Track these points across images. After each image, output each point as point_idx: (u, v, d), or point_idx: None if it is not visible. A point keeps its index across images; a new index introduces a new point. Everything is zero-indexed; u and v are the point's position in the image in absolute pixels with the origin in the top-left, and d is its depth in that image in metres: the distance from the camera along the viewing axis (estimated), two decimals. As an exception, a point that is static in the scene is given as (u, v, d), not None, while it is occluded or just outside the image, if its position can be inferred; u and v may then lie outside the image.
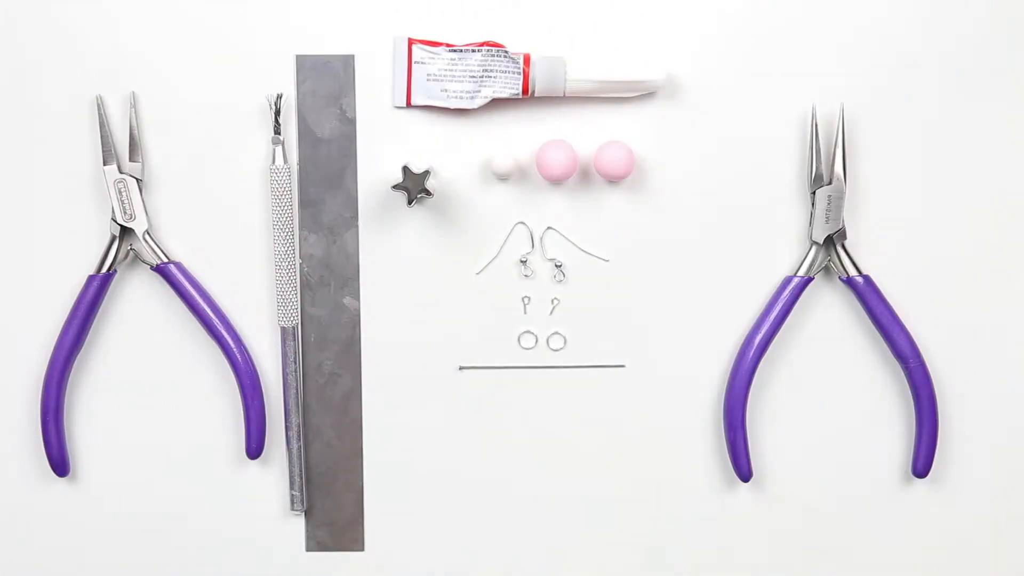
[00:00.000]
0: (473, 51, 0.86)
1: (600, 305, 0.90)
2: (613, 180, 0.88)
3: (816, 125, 0.87)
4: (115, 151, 0.87)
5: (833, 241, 0.88)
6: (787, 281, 0.88)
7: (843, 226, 0.87)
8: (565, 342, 0.91)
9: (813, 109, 0.87)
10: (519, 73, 0.85)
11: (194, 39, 0.87)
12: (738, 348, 0.89)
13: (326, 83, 0.88)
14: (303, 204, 0.89)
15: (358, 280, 0.90)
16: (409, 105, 0.87)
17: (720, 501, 0.92)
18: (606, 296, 0.90)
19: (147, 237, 0.88)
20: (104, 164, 0.87)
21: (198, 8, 0.87)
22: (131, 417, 0.91)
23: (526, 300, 0.90)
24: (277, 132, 0.87)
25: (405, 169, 0.86)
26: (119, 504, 0.93)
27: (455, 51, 0.86)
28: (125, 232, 0.88)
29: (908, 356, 0.88)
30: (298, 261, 0.90)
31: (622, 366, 0.91)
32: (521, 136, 0.88)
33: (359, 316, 0.90)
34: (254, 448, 0.90)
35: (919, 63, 0.88)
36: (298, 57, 0.88)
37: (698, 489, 0.92)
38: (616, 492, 0.92)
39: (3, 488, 0.93)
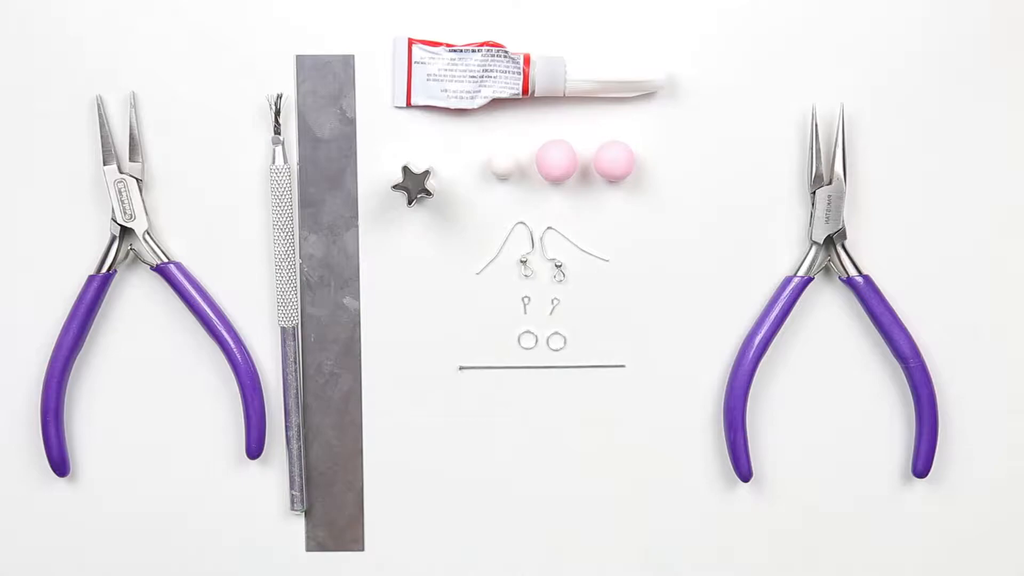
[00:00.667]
0: (473, 51, 0.86)
1: (600, 305, 0.90)
2: (613, 180, 0.87)
3: (816, 125, 0.87)
4: (115, 151, 0.87)
5: (833, 241, 0.88)
6: (787, 281, 0.88)
7: (843, 226, 0.87)
8: (565, 342, 0.91)
9: (813, 109, 0.87)
10: (519, 73, 0.85)
11: (194, 39, 0.87)
12: (738, 348, 0.89)
13: (326, 83, 0.88)
14: (303, 204, 0.89)
15: (358, 280, 0.90)
16: (409, 105, 0.87)
17: (720, 501, 0.92)
18: (606, 296, 0.90)
19: (147, 237, 0.88)
20: (104, 164, 0.87)
21: (198, 8, 0.87)
22: (131, 417, 0.91)
23: (526, 300, 0.90)
24: (277, 132, 0.87)
25: (405, 169, 0.86)
26: (119, 504, 0.93)
27: (455, 51, 0.86)
28: (125, 232, 0.88)
29: (908, 356, 0.88)
30: (298, 261, 0.89)
31: (622, 366, 0.91)
32: (521, 136, 0.88)
33: (359, 316, 0.90)
34: (254, 448, 0.90)
35: (919, 63, 0.88)
36: (298, 57, 0.87)
37: (698, 489, 0.92)
38: (616, 492, 0.92)
39: (3, 488, 0.92)
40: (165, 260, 0.88)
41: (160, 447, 0.92)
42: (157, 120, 0.88)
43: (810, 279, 0.88)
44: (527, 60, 0.85)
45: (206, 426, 0.91)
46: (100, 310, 0.89)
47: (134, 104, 0.87)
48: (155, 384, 0.91)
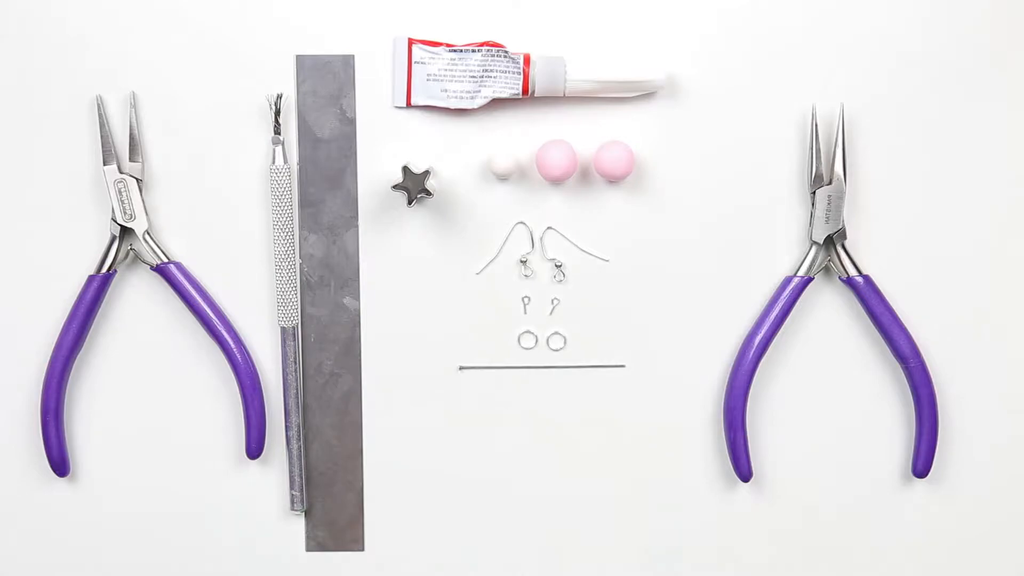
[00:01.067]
0: (473, 51, 0.86)
1: (600, 305, 0.90)
2: (613, 180, 0.87)
3: (816, 125, 0.86)
4: (115, 151, 0.87)
5: (833, 241, 0.88)
6: (787, 281, 0.88)
7: (843, 226, 0.87)
8: (565, 342, 0.90)
9: (813, 109, 0.87)
10: (519, 73, 0.85)
11: (194, 39, 0.87)
12: (738, 348, 0.89)
13: (326, 83, 0.87)
14: (303, 204, 0.89)
15: (358, 280, 0.90)
16: (409, 105, 0.87)
17: (720, 501, 0.92)
18: (606, 296, 0.90)
19: (147, 237, 0.88)
20: (104, 164, 0.87)
21: (198, 8, 0.87)
22: (131, 417, 0.91)
23: (526, 300, 0.90)
24: (277, 132, 0.87)
25: (405, 169, 0.85)
26: (119, 504, 0.93)
27: (455, 51, 0.86)
28: (125, 232, 0.88)
29: (908, 356, 0.88)
30: (298, 261, 0.89)
31: (622, 366, 0.90)
32: (521, 136, 0.88)
33: (359, 316, 0.90)
34: (254, 448, 0.90)
35: (919, 63, 0.87)
36: (298, 57, 0.87)
37: (698, 489, 0.92)
38: (616, 492, 0.92)
39: (3, 488, 0.92)
40: (165, 260, 0.88)
41: (160, 447, 0.92)
42: (157, 120, 0.88)
43: (810, 279, 0.88)
44: (527, 60, 0.85)
45: (206, 426, 0.91)
46: (100, 310, 0.89)
47: (134, 104, 0.87)
48: (155, 384, 0.91)
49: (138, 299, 0.90)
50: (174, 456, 0.92)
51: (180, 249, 0.89)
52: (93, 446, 0.92)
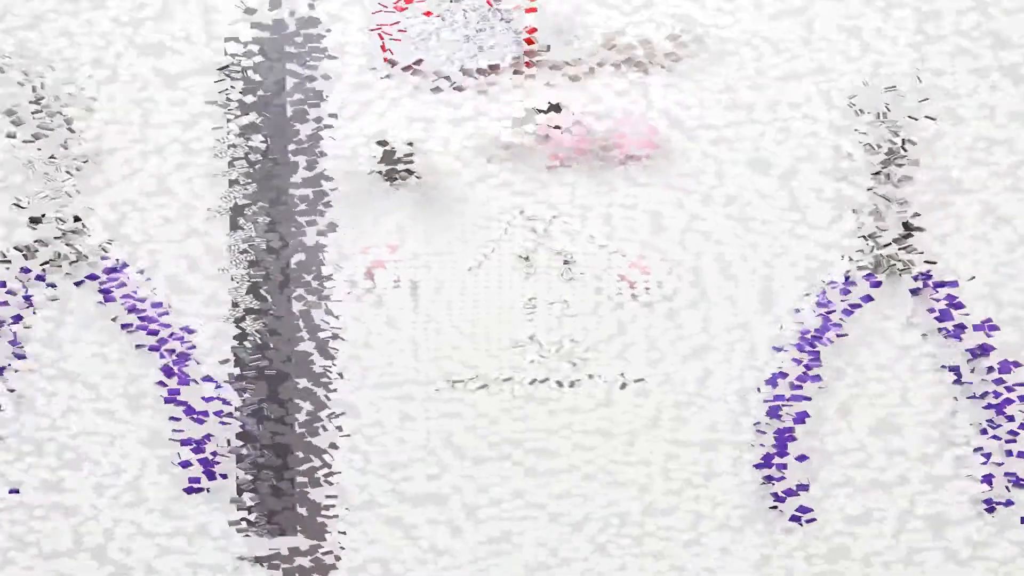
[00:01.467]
0: (464, 12, 0.85)
1: (614, 308, 0.88)
2: (634, 158, 0.85)
3: (860, 114, 0.86)
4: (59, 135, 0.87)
5: (885, 240, 0.86)
6: (831, 283, 0.87)
7: (897, 225, 0.86)
8: (574, 349, 0.88)
9: (855, 101, 0.86)
10: (516, 37, 0.84)
11: (145, 6, 0.86)
12: (782, 358, 0.87)
13: (287, 50, 0.86)
14: (271, 191, 0.87)
15: (348, 280, 0.88)
16: (389, 76, 0.85)
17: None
18: (610, 297, 0.88)
19: (89, 232, 0.86)
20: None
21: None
22: (71, 428, 0.89)
23: (527, 300, 0.88)
24: (242, 112, 0.86)
25: (383, 146, 0.84)
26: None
27: (441, 14, 0.84)
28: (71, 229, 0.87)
29: (976, 357, 0.86)
30: (265, 256, 0.87)
31: (642, 380, 0.89)
32: (518, 106, 0.86)
33: (348, 317, 0.88)
34: (214, 462, 0.88)
35: (988, 47, 0.86)
36: (259, 24, 0.86)
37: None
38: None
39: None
40: (113, 260, 0.87)
41: (106, 459, 0.90)
42: (102, 101, 0.87)
43: (853, 283, 0.86)
44: (529, 29, 0.83)
45: (159, 441, 0.89)
46: (39, 312, 0.88)
47: (80, 86, 0.86)
48: (98, 392, 0.89)
49: (80, 304, 0.89)
50: (157, 462, 0.90)
51: (141, 245, 0.88)
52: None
